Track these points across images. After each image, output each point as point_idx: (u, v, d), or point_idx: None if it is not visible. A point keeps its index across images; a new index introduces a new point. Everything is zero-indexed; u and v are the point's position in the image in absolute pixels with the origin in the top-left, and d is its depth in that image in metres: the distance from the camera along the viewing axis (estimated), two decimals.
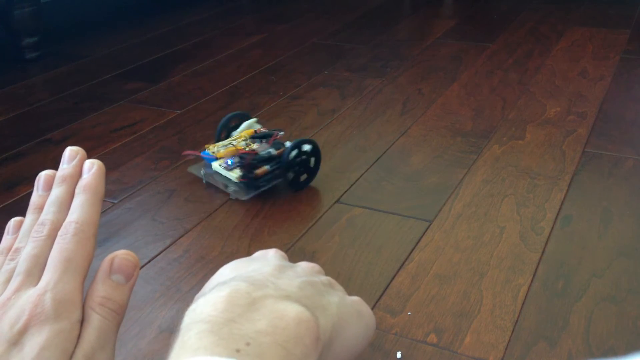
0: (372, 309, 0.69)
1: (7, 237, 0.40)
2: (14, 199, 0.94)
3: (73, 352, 0.33)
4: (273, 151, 0.91)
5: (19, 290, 0.35)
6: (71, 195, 0.39)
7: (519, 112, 1.18)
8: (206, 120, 1.19)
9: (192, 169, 0.98)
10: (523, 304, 0.69)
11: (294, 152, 0.90)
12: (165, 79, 1.41)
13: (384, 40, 1.64)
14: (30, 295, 0.34)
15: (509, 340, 0.64)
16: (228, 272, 0.40)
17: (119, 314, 0.36)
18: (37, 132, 1.16)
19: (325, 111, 1.22)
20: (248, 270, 0.39)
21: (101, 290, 0.36)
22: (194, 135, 1.13)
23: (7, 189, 0.97)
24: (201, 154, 0.95)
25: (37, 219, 0.38)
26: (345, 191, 0.93)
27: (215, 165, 0.94)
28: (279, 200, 0.91)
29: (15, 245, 0.38)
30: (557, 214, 0.85)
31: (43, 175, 0.41)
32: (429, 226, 0.84)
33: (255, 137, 0.95)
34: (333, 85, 1.34)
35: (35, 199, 0.40)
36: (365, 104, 1.24)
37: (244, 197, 0.90)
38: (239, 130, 0.98)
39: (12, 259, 0.37)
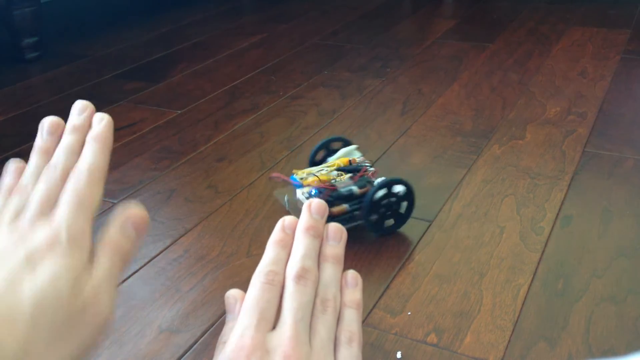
0: (372, 309, 0.69)
1: (7, 177, 0.42)
2: None
3: (80, 289, 0.35)
4: (355, 189, 0.79)
5: (34, 223, 0.36)
6: (81, 145, 0.42)
7: (519, 112, 1.18)
8: (206, 120, 1.19)
9: (278, 194, 0.89)
10: (523, 304, 0.69)
11: (380, 193, 0.78)
12: (165, 79, 1.41)
13: (384, 40, 1.64)
14: (47, 229, 0.36)
15: (509, 340, 0.64)
16: None
17: (125, 263, 0.38)
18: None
19: (326, 111, 1.22)
20: None
21: (113, 236, 0.38)
22: (193, 135, 1.13)
23: None
24: (290, 179, 0.83)
25: (42, 162, 0.41)
26: None
27: (299, 193, 0.82)
28: (278, 201, 0.91)
29: (23, 182, 0.40)
30: (557, 214, 0.85)
31: (47, 120, 0.44)
32: (429, 226, 0.84)
33: (345, 169, 0.83)
34: (333, 85, 1.34)
35: (40, 142, 0.43)
36: (365, 104, 1.24)
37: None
38: (335, 156, 0.87)
39: (19, 194, 0.39)
